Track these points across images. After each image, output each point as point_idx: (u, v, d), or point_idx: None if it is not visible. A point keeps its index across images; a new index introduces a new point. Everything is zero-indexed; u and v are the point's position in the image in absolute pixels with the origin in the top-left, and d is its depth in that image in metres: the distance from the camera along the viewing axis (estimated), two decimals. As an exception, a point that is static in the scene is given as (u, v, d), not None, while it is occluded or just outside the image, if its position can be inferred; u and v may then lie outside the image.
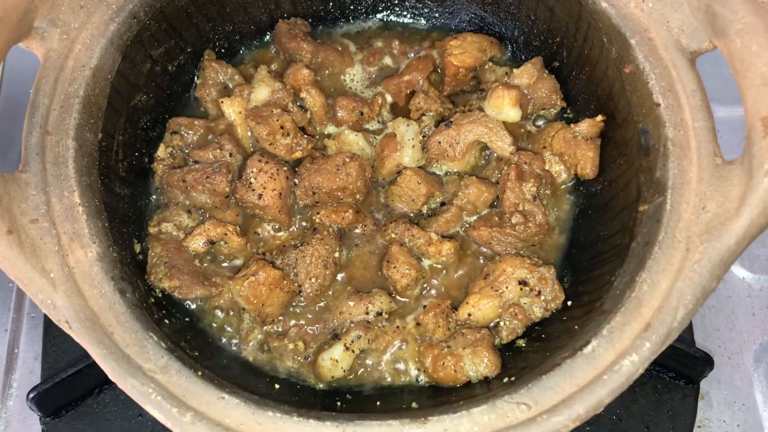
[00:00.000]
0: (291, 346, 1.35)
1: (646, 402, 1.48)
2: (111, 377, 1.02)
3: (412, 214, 1.49)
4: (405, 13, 1.72)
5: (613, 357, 1.04)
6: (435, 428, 1.02)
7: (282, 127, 1.42)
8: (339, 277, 1.44)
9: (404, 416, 1.04)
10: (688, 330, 1.54)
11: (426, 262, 1.44)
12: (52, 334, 1.51)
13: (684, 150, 1.15)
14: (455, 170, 1.51)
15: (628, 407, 1.47)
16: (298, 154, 1.45)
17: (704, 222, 1.08)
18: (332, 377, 1.32)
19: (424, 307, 1.40)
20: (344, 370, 1.32)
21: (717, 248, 1.04)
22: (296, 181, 1.44)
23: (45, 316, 1.55)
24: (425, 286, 1.44)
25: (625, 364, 1.03)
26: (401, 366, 1.36)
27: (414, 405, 1.19)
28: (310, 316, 1.40)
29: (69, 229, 1.10)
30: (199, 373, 1.06)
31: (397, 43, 1.67)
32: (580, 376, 1.04)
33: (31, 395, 1.35)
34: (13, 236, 1.04)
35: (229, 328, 1.39)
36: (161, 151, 1.46)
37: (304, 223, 1.48)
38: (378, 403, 1.27)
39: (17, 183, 1.09)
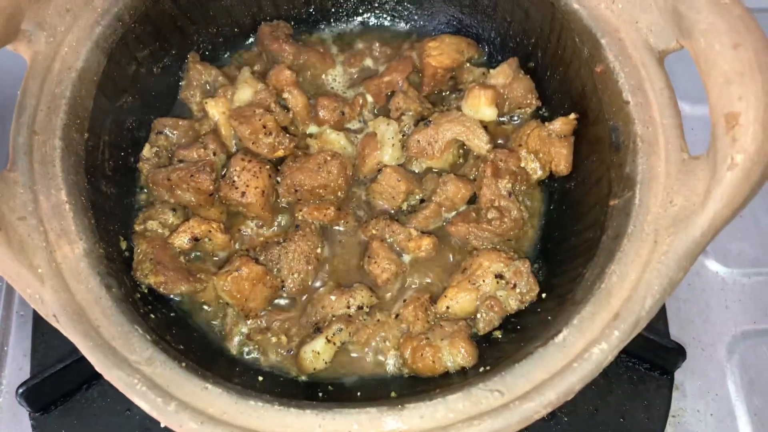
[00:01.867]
0: (274, 339, 1.38)
1: (621, 393, 1.50)
2: (98, 369, 1.05)
3: (392, 211, 1.52)
4: (385, 15, 1.76)
5: (583, 345, 1.08)
6: (412, 415, 1.05)
7: (264, 127, 1.45)
8: (321, 272, 1.47)
9: (382, 404, 1.07)
10: (663, 322, 1.58)
11: (406, 258, 1.47)
12: (41, 332, 1.52)
13: (652, 146, 1.18)
14: (434, 168, 1.55)
15: (604, 398, 1.50)
16: (280, 153, 1.48)
17: (671, 215, 1.11)
18: (314, 369, 1.35)
19: (404, 300, 1.43)
20: (326, 363, 1.35)
21: (683, 240, 1.08)
22: (279, 179, 1.47)
23: (34, 313, 1.57)
24: (405, 280, 1.47)
25: (595, 352, 1.06)
26: (381, 358, 1.39)
27: (393, 394, 1.23)
28: (292, 311, 1.43)
29: (56, 226, 1.13)
30: (183, 365, 1.09)
31: (377, 44, 1.71)
32: (552, 364, 1.07)
33: (20, 390, 1.37)
34: (2, 233, 1.06)
35: (213, 323, 1.42)
36: (146, 151, 1.49)
37: (286, 221, 1.51)
38: (359, 393, 1.30)
39: (5, 181, 1.12)
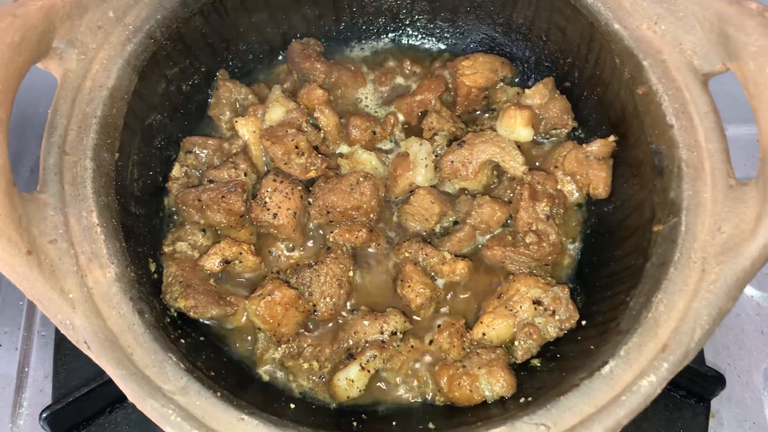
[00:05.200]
0: (306, 365, 1.35)
1: (657, 420, 1.48)
2: (131, 399, 1.02)
3: (425, 233, 1.50)
4: (416, 33, 1.74)
5: (630, 378, 1.05)
6: (455, 450, 1.02)
7: (297, 147, 1.43)
8: (353, 296, 1.45)
9: (424, 437, 1.05)
10: (699, 348, 1.55)
11: (440, 281, 1.44)
12: (63, 353, 1.51)
13: (698, 171, 1.16)
14: (468, 189, 1.52)
15: (640, 426, 1.47)
16: (312, 174, 1.46)
17: (719, 243, 1.08)
18: (348, 397, 1.32)
19: (439, 326, 1.40)
20: (360, 390, 1.32)
21: (733, 269, 1.05)
22: (310, 200, 1.45)
23: (56, 334, 1.55)
24: (439, 305, 1.44)
25: (643, 385, 1.03)
26: (416, 385, 1.36)
27: (431, 425, 1.20)
28: (324, 336, 1.40)
29: (87, 250, 1.10)
30: (218, 394, 1.06)
31: (409, 63, 1.69)
32: (598, 397, 1.04)
33: (44, 415, 1.35)
34: (33, 257, 1.03)
35: (244, 348, 1.39)
36: (176, 171, 1.46)
37: (317, 243, 1.48)
38: (394, 423, 1.27)
39: (36, 203, 1.09)
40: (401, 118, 1.62)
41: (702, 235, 1.11)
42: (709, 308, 1.06)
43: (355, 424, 1.26)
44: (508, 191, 1.49)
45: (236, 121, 1.49)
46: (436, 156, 1.51)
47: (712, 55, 1.21)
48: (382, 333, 1.36)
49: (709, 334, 1.07)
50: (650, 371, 1.04)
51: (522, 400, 1.19)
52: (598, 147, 1.42)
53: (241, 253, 1.37)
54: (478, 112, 1.65)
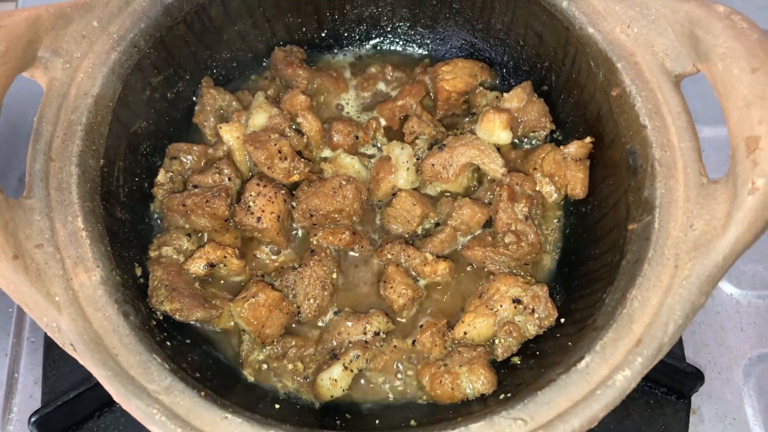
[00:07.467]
0: (290, 366, 1.37)
1: (638, 417, 1.49)
2: (116, 398, 1.04)
3: (407, 235, 1.52)
4: (398, 40, 1.77)
5: (606, 372, 1.06)
6: (434, 445, 1.04)
7: (279, 152, 1.45)
8: (336, 297, 1.47)
9: (405, 434, 1.06)
10: (679, 345, 1.57)
11: (422, 282, 1.47)
12: (52, 358, 1.51)
13: (671, 170, 1.18)
14: (449, 192, 1.54)
15: (621, 423, 1.48)
16: (295, 178, 1.48)
17: (692, 239, 1.10)
18: (331, 397, 1.33)
19: (421, 326, 1.42)
20: (343, 390, 1.34)
21: (705, 265, 1.07)
22: (294, 204, 1.47)
23: (45, 340, 1.56)
24: (422, 305, 1.46)
25: (618, 379, 1.05)
26: (399, 384, 1.38)
27: (413, 423, 1.21)
28: (308, 337, 1.42)
29: (73, 254, 1.12)
30: (202, 394, 1.08)
31: (390, 69, 1.71)
32: (575, 392, 1.06)
33: (33, 419, 1.36)
34: (19, 261, 1.05)
35: (229, 350, 1.41)
36: (161, 176, 1.48)
37: (300, 246, 1.51)
38: (377, 421, 1.29)
39: (22, 208, 1.11)
40: (383, 122, 1.64)
41: (675, 232, 1.13)
42: (682, 303, 1.07)
43: (338, 422, 1.28)
44: (488, 193, 1.51)
45: (220, 128, 1.51)
46: (418, 159, 1.53)
47: (683, 56, 1.23)
48: (365, 333, 1.38)
49: (683, 329, 1.08)
50: (625, 365, 1.06)
51: (502, 396, 1.21)
52: (575, 148, 1.45)
53: (225, 257, 1.39)
54: (458, 116, 1.67)
